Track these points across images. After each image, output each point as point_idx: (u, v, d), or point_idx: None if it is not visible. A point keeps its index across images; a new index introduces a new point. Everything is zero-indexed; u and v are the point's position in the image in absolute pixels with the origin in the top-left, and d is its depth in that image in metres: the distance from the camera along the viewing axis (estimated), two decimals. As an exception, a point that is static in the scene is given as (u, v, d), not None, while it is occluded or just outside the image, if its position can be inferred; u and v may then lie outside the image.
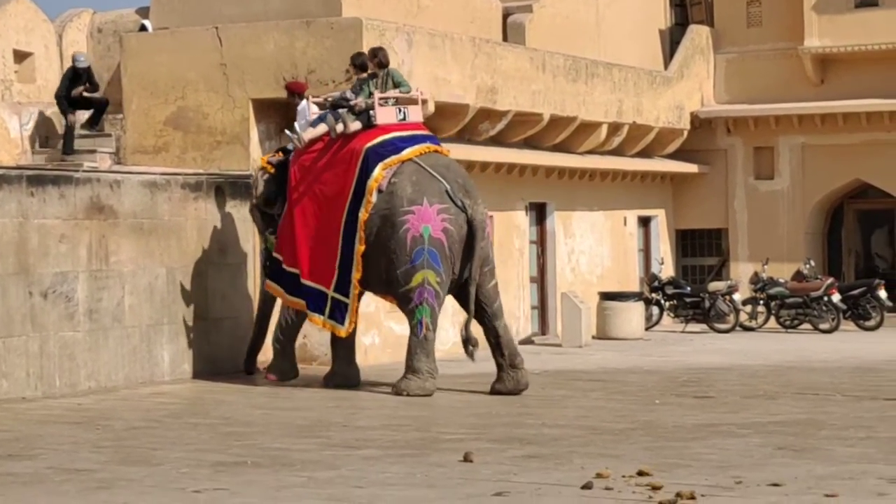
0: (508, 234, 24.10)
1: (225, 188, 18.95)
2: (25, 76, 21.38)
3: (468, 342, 16.83)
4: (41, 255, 16.35)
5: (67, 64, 22.01)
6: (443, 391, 17.06)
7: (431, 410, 15.12)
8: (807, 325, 26.71)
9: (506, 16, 25.03)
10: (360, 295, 17.13)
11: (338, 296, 16.96)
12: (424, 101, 18.34)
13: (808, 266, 27.45)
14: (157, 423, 13.80)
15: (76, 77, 19.70)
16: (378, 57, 17.46)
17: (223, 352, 18.65)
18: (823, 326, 26.40)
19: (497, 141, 23.57)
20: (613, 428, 13.47)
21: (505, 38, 24.61)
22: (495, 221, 23.61)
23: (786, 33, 29.28)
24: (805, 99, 28.99)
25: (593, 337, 24.44)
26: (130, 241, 17.47)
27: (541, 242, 25.53)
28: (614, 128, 26.43)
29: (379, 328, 20.96)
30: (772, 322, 27.04)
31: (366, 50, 19.07)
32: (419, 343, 16.66)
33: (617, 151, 27.17)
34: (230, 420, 14.15)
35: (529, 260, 24.90)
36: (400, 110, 17.28)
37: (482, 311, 16.96)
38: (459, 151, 22.27)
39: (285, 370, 17.64)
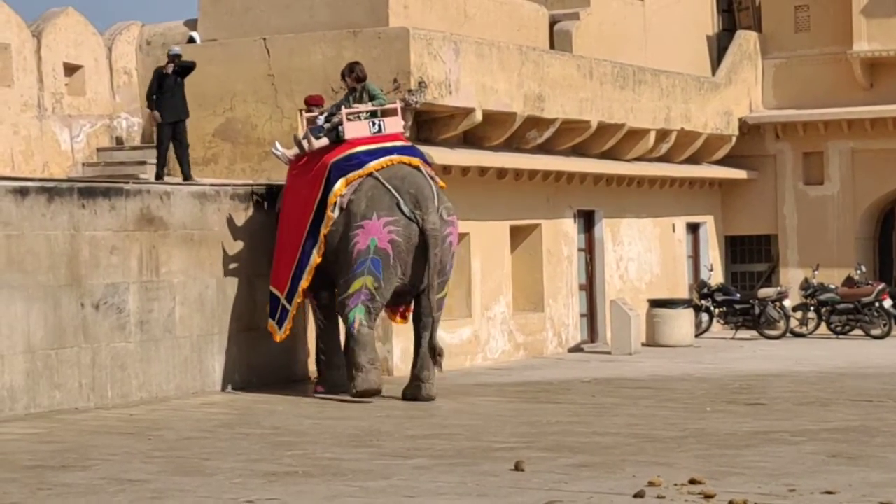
0: (557, 241, 24.07)
1: (274, 199, 18.99)
2: (75, 89, 21.53)
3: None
4: (92, 266, 16.45)
5: (117, 77, 22.16)
6: (492, 399, 17.07)
7: (481, 419, 15.11)
8: (858, 331, 26.55)
9: (553, 23, 25.00)
10: (308, 303, 17.98)
11: (285, 302, 17.63)
12: (413, 107, 18.36)
13: (858, 271, 27.27)
14: (208, 434, 13.86)
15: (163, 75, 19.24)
16: (355, 72, 17.92)
17: (273, 361, 18.69)
18: (875, 332, 26.23)
19: (545, 149, 23.54)
20: (665, 436, 13.42)
21: (552, 46, 24.59)
22: (543, 229, 23.63)
23: (834, 37, 29.12)
24: (854, 103, 28.81)
25: (643, 344, 24.37)
26: (181, 252, 17.54)
27: (589, 250, 25.48)
28: (662, 134, 26.35)
29: (428, 337, 20.96)
30: (823, 328, 26.88)
31: (412, 61, 19.20)
32: (354, 340, 16.97)
33: (665, 158, 27.10)
34: (281, 430, 14.19)
35: (578, 267, 24.85)
36: (374, 123, 17.61)
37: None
38: (507, 160, 22.33)
39: (334, 381, 17.68)
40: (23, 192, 15.73)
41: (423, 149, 20.29)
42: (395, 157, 17.41)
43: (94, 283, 16.44)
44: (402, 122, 17.95)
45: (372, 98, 17.76)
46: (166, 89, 18.97)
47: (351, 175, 17.26)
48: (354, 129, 17.53)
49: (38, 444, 13.20)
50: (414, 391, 17.09)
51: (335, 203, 17.21)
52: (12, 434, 13.92)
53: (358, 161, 17.34)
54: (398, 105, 17.91)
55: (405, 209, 17.02)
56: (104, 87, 21.94)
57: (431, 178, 17.51)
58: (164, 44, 22.13)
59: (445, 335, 21.24)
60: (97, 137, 21.70)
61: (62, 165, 21.06)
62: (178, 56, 19.13)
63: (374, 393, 16.84)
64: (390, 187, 17.12)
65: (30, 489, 10.61)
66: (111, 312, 16.62)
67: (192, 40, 21.24)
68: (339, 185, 17.23)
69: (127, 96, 22.30)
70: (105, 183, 17.41)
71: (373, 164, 17.27)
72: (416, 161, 17.54)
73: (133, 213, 17.00)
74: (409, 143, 17.96)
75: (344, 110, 17.67)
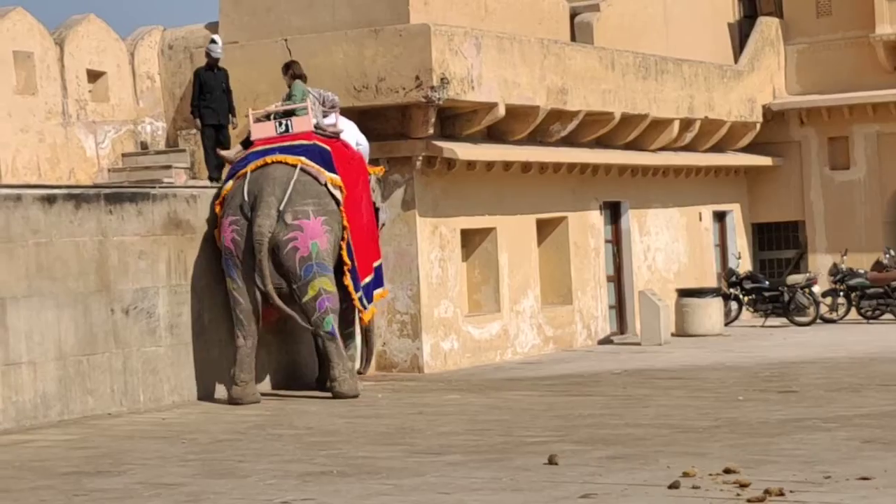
0: (584, 233, 24.05)
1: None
2: (99, 95, 21.58)
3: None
4: (121, 272, 16.51)
5: (140, 82, 22.21)
6: (523, 394, 17.07)
7: (513, 414, 15.10)
8: (888, 315, 26.45)
9: (573, 16, 24.98)
10: None
11: None
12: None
13: (888, 255, 27.16)
14: (241, 436, 13.89)
15: (208, 69, 19.12)
16: (291, 69, 18.24)
17: (302, 362, 18.73)
18: (905, 316, 26.15)
19: (569, 141, 23.52)
20: (697, 426, 13.40)
21: (573, 38, 24.57)
22: (570, 222, 23.60)
23: (856, 21, 29.03)
24: (878, 87, 28.70)
25: (672, 334, 24.33)
26: (208, 255, 17.57)
27: (616, 241, 25.46)
28: (686, 124, 26.30)
29: (458, 333, 21.00)
30: (853, 313, 26.79)
31: (434, 57, 19.21)
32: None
33: (689, 147, 27.05)
34: (313, 430, 14.22)
35: (605, 259, 24.83)
36: (281, 123, 17.76)
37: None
38: (531, 154, 22.32)
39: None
40: (50, 200, 15.79)
41: (448, 145, 20.39)
42: (271, 157, 17.33)
43: (123, 289, 16.49)
44: (313, 121, 17.75)
45: (289, 97, 17.96)
46: (206, 91, 18.96)
47: (237, 174, 17.41)
48: (261, 130, 17.83)
49: (73, 450, 13.25)
50: (333, 392, 17.11)
51: (219, 203, 17.44)
52: (47, 441, 13.98)
53: (246, 162, 17.50)
54: (308, 104, 17.79)
55: (246, 210, 17.03)
56: (127, 93, 22.00)
57: (314, 177, 17.21)
58: (186, 48, 22.19)
59: (474, 331, 21.29)
60: (122, 143, 21.75)
61: (88, 172, 21.12)
62: (218, 58, 19.07)
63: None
64: (244, 188, 17.15)
65: (66, 495, 10.65)
66: (141, 317, 16.68)
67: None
68: (229, 184, 17.40)
69: (150, 101, 22.35)
70: (131, 188, 17.47)
71: (250, 165, 17.34)
72: (292, 160, 17.30)
73: (160, 218, 17.06)
74: (312, 142, 17.59)
75: (251, 112, 18.04)
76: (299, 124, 17.68)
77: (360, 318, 17.97)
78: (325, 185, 17.27)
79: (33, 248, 15.52)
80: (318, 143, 17.60)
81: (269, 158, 17.31)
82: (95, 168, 21.25)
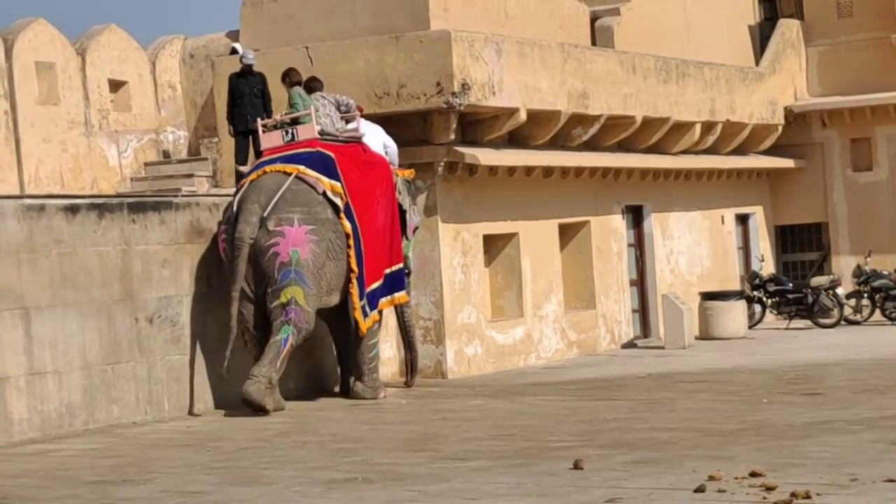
0: (606, 238, 24.02)
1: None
2: (121, 105, 21.66)
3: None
4: (145, 280, 16.55)
5: (162, 91, 22.28)
6: (547, 398, 17.05)
7: (538, 419, 15.09)
8: (913, 317, 26.37)
9: (593, 20, 24.95)
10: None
11: None
12: (354, 114, 18.19)
13: (911, 256, 27.09)
14: (266, 443, 13.90)
15: (240, 76, 19.01)
16: (289, 77, 18.19)
17: (326, 369, 18.75)
18: (931, 317, 26.06)
19: (590, 146, 23.50)
20: (722, 429, 13.37)
21: (593, 43, 24.54)
22: (592, 226, 23.57)
23: (877, 22, 28.95)
24: (900, 88, 28.64)
25: (696, 337, 24.29)
26: (231, 262, 17.58)
27: (639, 245, 25.43)
28: (708, 126, 26.26)
29: (481, 338, 20.99)
30: (877, 315, 26.70)
31: (455, 63, 19.21)
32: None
33: (711, 150, 27.00)
34: (338, 437, 14.22)
35: (628, 263, 24.80)
36: (287, 132, 17.69)
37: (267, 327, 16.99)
38: (553, 158, 22.31)
39: None
40: (73, 210, 15.84)
41: (469, 150, 20.40)
42: (271, 167, 17.23)
43: (147, 297, 16.54)
44: (317, 128, 17.65)
45: (291, 105, 17.90)
46: (236, 97, 18.89)
47: (241, 183, 17.40)
48: (269, 140, 17.79)
49: (98, 458, 13.28)
50: (243, 392, 16.47)
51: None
52: (72, 450, 14.02)
53: (251, 172, 17.43)
54: (311, 112, 17.73)
55: (233, 219, 16.98)
56: (149, 102, 22.07)
57: (311, 186, 17.07)
58: (207, 56, 22.25)
59: (498, 336, 21.28)
60: (144, 152, 21.83)
61: (110, 181, 21.19)
62: (251, 65, 18.99)
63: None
64: (237, 197, 17.10)
65: (92, 504, 10.69)
66: (165, 326, 16.71)
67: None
68: (240, 193, 17.25)
69: (172, 110, 22.42)
70: (154, 197, 17.52)
71: (251, 175, 17.29)
72: (290, 168, 17.17)
73: (183, 226, 17.10)
74: (315, 150, 17.46)
75: (259, 123, 17.99)
76: (304, 132, 17.64)
77: (358, 328, 17.63)
78: (324, 192, 17.13)
79: (57, 257, 15.58)
80: (321, 150, 17.48)
81: (268, 168, 17.24)
82: (118, 177, 21.32)
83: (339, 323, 18.00)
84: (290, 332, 16.67)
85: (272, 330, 16.75)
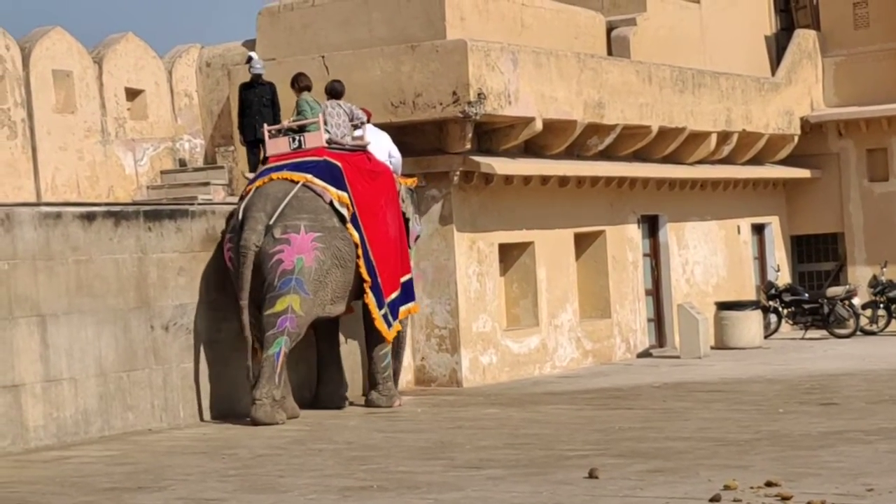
0: (621, 247, 24.01)
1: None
2: (137, 113, 21.72)
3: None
4: (161, 288, 16.58)
5: (178, 99, 22.33)
6: (562, 407, 17.04)
7: (553, 428, 15.08)
8: (929, 327, 26.32)
9: (610, 30, 24.96)
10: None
11: None
12: (361, 121, 18.07)
13: (928, 267, 27.04)
14: (281, 451, 13.91)
15: (248, 86, 18.98)
16: (298, 82, 18.08)
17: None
18: (947, 328, 26.00)
19: (606, 155, 23.50)
20: (738, 439, 13.35)
21: (610, 53, 24.55)
22: (608, 235, 23.57)
23: (894, 33, 28.92)
24: (916, 98, 28.61)
25: (711, 347, 24.26)
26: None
27: (654, 255, 25.41)
28: (724, 136, 26.24)
29: (496, 347, 20.99)
30: (893, 325, 26.64)
31: (471, 72, 19.21)
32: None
33: (727, 160, 26.98)
34: (353, 444, 14.23)
35: (644, 273, 24.78)
36: (294, 139, 17.59)
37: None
38: (569, 168, 22.31)
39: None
40: (90, 218, 15.88)
41: (485, 160, 20.40)
42: (277, 174, 17.09)
43: (162, 305, 16.57)
44: (325, 136, 17.51)
45: (299, 112, 17.81)
46: (245, 107, 18.86)
47: (246, 191, 17.28)
48: (275, 146, 17.67)
49: (114, 465, 13.30)
50: (250, 416, 16.41)
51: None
52: (88, 457, 14.04)
53: (256, 179, 17.31)
54: (319, 119, 17.61)
55: (237, 225, 16.90)
56: (166, 111, 22.12)
57: (318, 195, 16.94)
58: (223, 65, 22.29)
59: (513, 345, 21.28)
60: (160, 160, 21.88)
61: (127, 189, 21.25)
62: (260, 74, 18.93)
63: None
64: (242, 205, 16.98)
65: (107, 511, 10.71)
66: (181, 333, 16.74)
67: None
68: (246, 200, 17.11)
69: (188, 118, 22.48)
70: (170, 205, 17.55)
71: (257, 182, 17.18)
72: (297, 177, 17.04)
73: (199, 234, 17.13)
74: (322, 158, 17.31)
75: (265, 128, 17.82)
76: (311, 140, 17.52)
77: (384, 337, 17.64)
78: (331, 202, 17.00)
79: (73, 265, 15.61)
80: (328, 158, 17.34)
81: (274, 175, 17.11)
82: (134, 185, 21.37)
83: (328, 333, 17.95)
84: (283, 343, 16.48)
85: (263, 342, 16.57)
